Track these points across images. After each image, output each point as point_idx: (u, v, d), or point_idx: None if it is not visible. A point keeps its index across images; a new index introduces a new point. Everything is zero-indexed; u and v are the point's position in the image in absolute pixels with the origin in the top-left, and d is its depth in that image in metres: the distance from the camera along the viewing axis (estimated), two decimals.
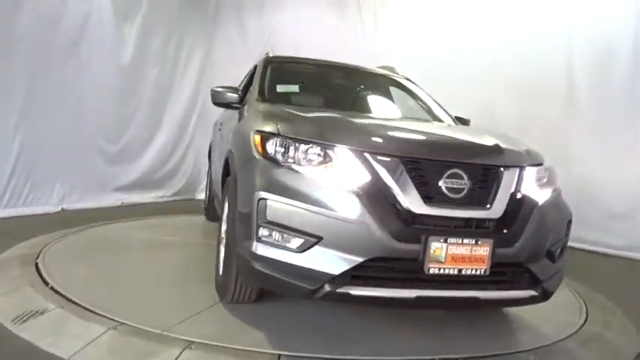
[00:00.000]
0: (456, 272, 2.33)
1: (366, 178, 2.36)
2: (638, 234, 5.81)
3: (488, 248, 2.34)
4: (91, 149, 6.28)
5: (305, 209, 2.30)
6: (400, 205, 2.33)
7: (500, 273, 2.47)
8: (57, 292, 3.00)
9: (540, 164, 2.79)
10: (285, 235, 2.33)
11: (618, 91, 6.03)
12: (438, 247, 2.28)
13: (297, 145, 2.46)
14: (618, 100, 6.04)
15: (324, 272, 2.27)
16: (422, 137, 2.85)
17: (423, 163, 2.42)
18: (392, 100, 4.17)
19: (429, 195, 2.38)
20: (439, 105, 4.02)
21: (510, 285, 2.54)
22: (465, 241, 2.32)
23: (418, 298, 2.34)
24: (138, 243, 4.49)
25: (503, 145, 2.74)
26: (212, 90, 3.53)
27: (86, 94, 6.13)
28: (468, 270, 2.34)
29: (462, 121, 3.89)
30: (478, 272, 2.35)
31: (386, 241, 2.25)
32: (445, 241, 2.30)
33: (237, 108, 3.53)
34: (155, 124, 7.25)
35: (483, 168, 2.51)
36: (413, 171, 2.39)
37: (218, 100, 3.51)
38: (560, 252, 2.73)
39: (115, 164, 6.65)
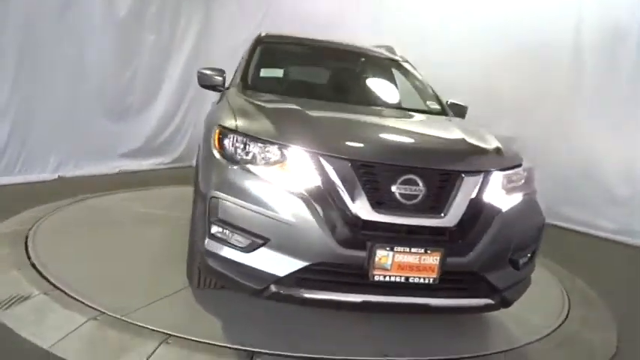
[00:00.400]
0: (402, 280, 2.31)
1: (317, 181, 2.33)
2: (633, 219, 5.77)
3: (438, 257, 2.30)
4: (87, 116, 6.22)
5: (254, 211, 2.30)
6: (349, 210, 2.29)
7: (454, 281, 2.45)
8: (42, 275, 3.05)
9: (515, 167, 2.68)
10: (235, 235, 2.35)
11: (628, 66, 5.86)
12: (383, 255, 2.26)
13: (252, 143, 2.44)
14: (628, 75, 5.86)
15: (270, 273, 2.30)
16: (380, 139, 2.75)
17: (376, 167, 2.35)
18: (381, 85, 4.05)
19: (381, 200, 2.33)
20: (432, 90, 3.91)
21: (464, 293, 2.51)
22: (413, 250, 2.28)
23: (364, 303, 2.35)
24: (130, 218, 4.52)
25: (469, 149, 2.66)
26: (198, 72, 3.48)
27: (83, 60, 6.05)
28: (416, 278, 2.31)
29: (457, 109, 3.76)
30: (426, 281, 2.32)
31: (331, 246, 2.24)
32: (391, 249, 2.26)
33: (221, 91, 3.47)
34: (153, 90, 7.18)
35: (441, 174, 2.43)
36: (365, 175, 2.33)
37: (204, 83, 3.47)
38: (527, 260, 2.69)
39: (112, 131, 6.62)
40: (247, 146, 2.45)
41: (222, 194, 2.37)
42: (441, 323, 2.99)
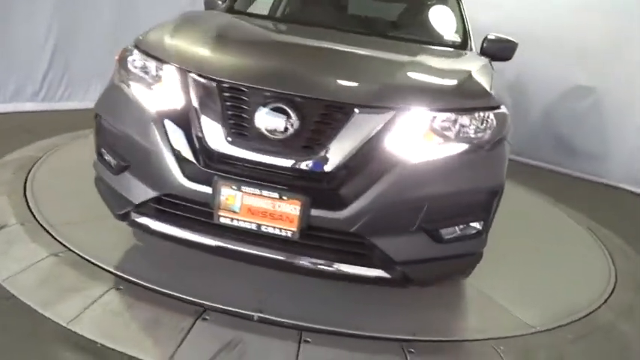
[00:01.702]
0: (254, 227, 1.97)
1: (181, 103, 2.08)
2: None
3: (297, 207, 1.91)
4: (128, 42, 6.09)
5: (121, 132, 2.18)
6: (203, 139, 2.01)
7: (331, 240, 2.01)
8: (27, 204, 2.97)
9: (470, 109, 2.08)
10: (109, 157, 2.27)
11: None
12: (230, 195, 1.94)
13: (137, 60, 2.27)
14: None
15: (128, 199, 2.19)
16: (264, 60, 2.26)
17: (243, 91, 2.00)
18: (393, 12, 3.43)
19: (242, 131, 2.00)
20: (464, 21, 3.24)
21: (350, 257, 2.05)
22: (265, 193, 1.92)
23: (219, 248, 2.10)
24: None
25: (387, 81, 2.12)
26: None
27: None
28: (270, 228, 1.96)
29: (500, 45, 3.03)
30: (284, 233, 1.95)
31: (177, 178, 2.01)
32: (238, 189, 1.93)
33: None
34: None
35: (326, 105, 1.96)
36: (230, 100, 2.01)
37: (209, 7, 3.15)
38: (464, 233, 2.11)
39: None
40: (133, 63, 2.26)
41: (102, 112, 2.29)
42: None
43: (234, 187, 1.94)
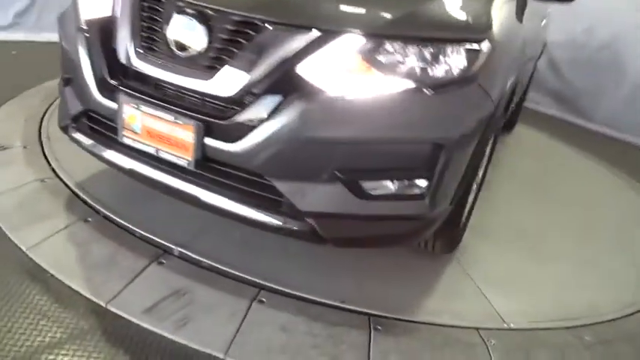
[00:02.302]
0: (153, 151, 1.82)
1: (107, 12, 1.94)
2: None
3: (191, 133, 1.69)
4: None
5: (65, 43, 2.11)
6: (118, 51, 1.89)
7: (231, 176, 1.75)
8: (39, 128, 2.98)
9: (430, 40, 1.64)
10: (63, 70, 2.20)
11: None
12: (132, 114, 1.80)
13: None
14: None
15: (67, 111, 2.13)
16: None
17: (161, 2, 1.79)
18: None
19: (151, 45, 1.83)
20: None
21: (247, 198, 1.75)
22: (161, 114, 1.74)
23: (132, 172, 1.96)
24: None
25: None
26: None
27: None
28: (167, 154, 1.78)
29: None
30: (179, 161, 1.76)
31: (92, 92, 1.92)
32: (138, 107, 1.78)
33: None
34: None
35: (236, 21, 1.65)
36: (148, 11, 1.83)
37: None
38: (400, 192, 1.71)
39: None
40: None
41: (60, 26, 2.20)
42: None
43: (134, 105, 1.79)
